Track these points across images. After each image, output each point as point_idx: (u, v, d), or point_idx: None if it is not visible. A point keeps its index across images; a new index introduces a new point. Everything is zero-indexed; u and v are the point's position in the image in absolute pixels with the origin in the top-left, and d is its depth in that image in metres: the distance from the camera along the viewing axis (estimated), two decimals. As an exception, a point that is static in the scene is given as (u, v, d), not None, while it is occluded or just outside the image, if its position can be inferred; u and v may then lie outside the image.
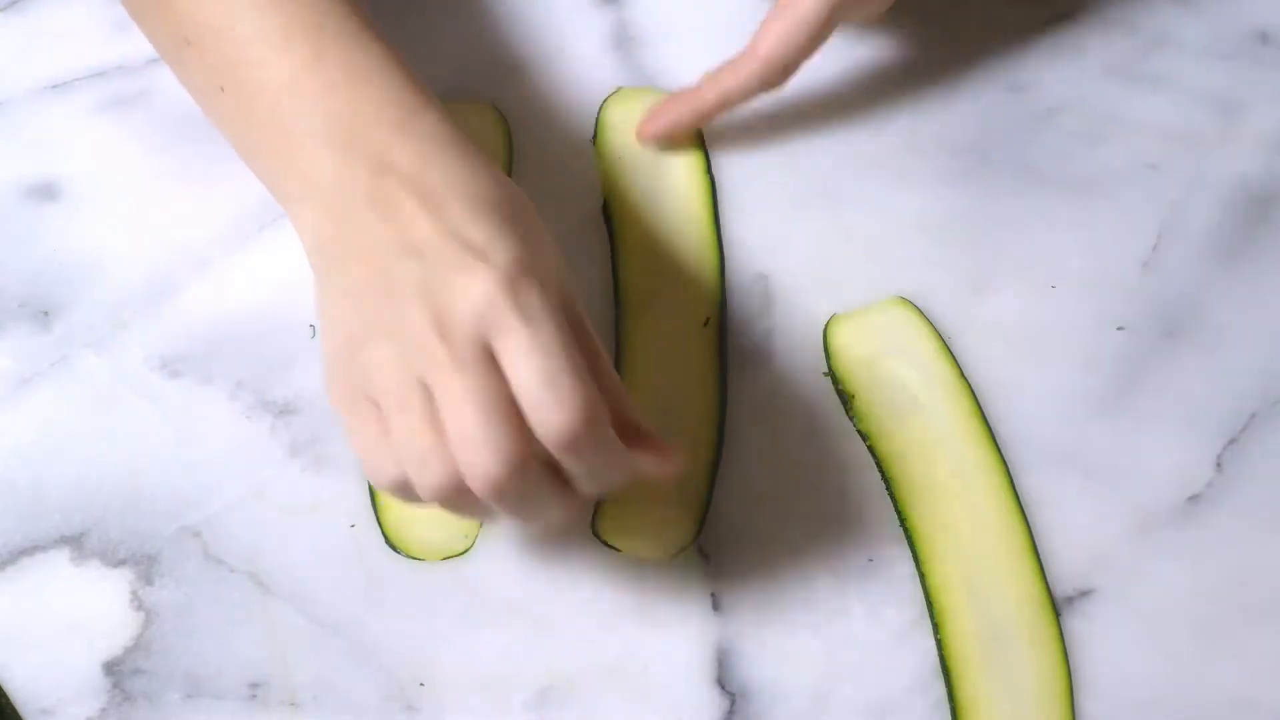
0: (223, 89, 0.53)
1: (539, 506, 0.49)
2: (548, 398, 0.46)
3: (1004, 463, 0.59)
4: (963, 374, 0.61)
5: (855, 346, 0.62)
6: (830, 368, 0.61)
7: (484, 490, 0.47)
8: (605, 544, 0.57)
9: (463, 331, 0.47)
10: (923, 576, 0.57)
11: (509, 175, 0.66)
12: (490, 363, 0.47)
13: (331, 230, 0.50)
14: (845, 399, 0.61)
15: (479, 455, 0.46)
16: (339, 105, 0.51)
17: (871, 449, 0.60)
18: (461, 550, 0.58)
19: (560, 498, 0.50)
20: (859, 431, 0.60)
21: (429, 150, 0.50)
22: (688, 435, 0.59)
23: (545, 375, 0.46)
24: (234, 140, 0.55)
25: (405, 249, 0.48)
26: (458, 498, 0.48)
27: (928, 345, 0.62)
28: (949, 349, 0.61)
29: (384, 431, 0.48)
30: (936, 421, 0.60)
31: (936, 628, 0.56)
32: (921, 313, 0.62)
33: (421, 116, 0.51)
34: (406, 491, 0.49)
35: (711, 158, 0.66)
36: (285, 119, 0.51)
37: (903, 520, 0.58)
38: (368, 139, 0.50)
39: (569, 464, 0.48)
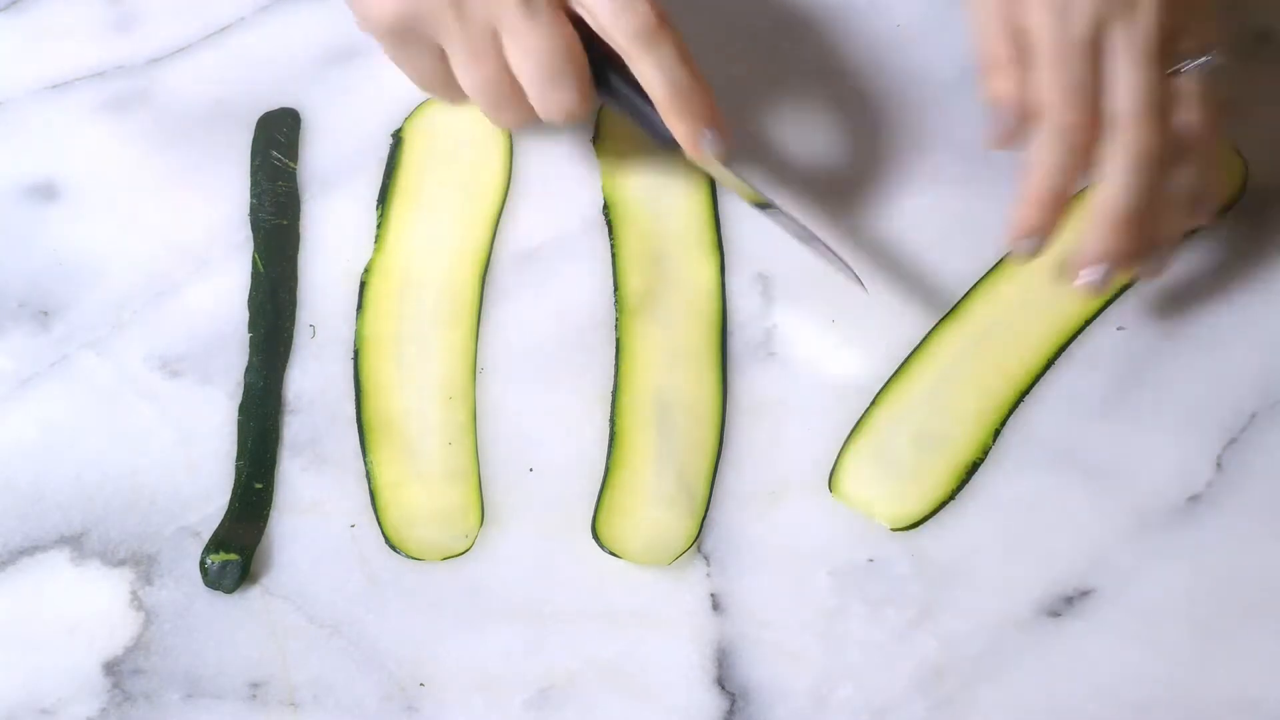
0: None
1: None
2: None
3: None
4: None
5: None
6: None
7: (560, 119, 0.58)
8: (605, 550, 0.57)
9: None
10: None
11: (509, 175, 0.66)
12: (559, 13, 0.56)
13: None
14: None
15: (558, 95, 0.57)
16: None
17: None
18: (461, 550, 0.58)
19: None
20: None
21: None
22: (688, 435, 0.60)
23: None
24: None
25: None
26: (517, 122, 0.60)
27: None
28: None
29: (447, 70, 0.58)
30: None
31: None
32: None
33: None
34: (454, 99, 0.60)
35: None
36: None
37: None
38: None
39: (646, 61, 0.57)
